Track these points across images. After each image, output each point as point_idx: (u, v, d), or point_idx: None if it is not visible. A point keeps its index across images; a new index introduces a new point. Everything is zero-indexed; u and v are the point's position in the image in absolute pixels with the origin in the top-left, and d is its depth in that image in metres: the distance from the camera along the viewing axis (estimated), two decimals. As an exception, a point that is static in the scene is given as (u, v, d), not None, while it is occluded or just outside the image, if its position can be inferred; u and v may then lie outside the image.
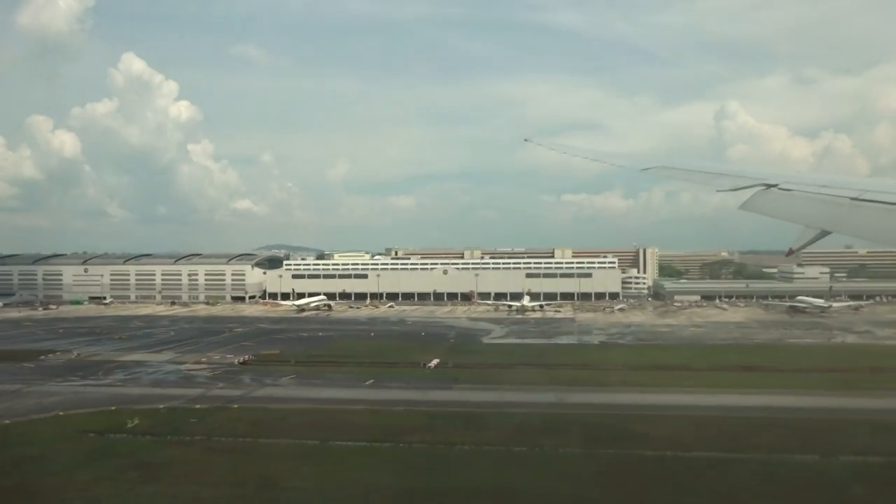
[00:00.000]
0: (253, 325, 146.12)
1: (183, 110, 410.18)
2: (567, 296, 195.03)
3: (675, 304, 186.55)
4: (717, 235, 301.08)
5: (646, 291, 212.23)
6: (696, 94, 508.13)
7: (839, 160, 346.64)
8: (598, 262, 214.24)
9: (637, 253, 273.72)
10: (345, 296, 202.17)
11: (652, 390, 73.89)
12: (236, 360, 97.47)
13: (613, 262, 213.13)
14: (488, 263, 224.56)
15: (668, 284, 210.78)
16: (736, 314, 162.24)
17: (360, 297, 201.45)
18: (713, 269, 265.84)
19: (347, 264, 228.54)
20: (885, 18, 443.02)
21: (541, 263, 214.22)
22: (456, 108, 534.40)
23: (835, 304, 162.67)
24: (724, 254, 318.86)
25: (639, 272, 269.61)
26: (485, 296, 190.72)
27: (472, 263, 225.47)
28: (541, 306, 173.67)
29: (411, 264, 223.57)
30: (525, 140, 20.89)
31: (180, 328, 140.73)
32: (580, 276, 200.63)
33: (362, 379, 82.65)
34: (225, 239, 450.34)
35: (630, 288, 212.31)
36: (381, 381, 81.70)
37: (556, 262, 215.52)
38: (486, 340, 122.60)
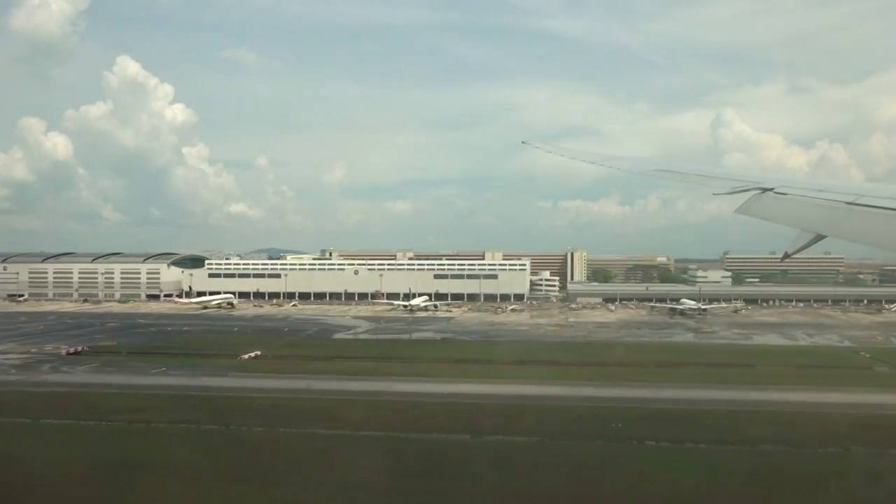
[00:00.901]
0: (134, 320, 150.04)
1: (178, 113, 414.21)
2: (474, 296, 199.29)
3: (573, 305, 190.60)
4: (712, 242, 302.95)
5: (556, 293, 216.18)
6: (692, 101, 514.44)
7: (834, 170, 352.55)
8: (510, 265, 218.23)
9: (565, 257, 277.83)
10: (259, 295, 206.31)
11: (407, 379, 78.09)
12: (64, 351, 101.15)
13: (524, 265, 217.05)
14: (403, 265, 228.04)
15: (573, 287, 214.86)
16: (616, 315, 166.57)
17: (276, 295, 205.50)
18: (635, 272, 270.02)
19: (268, 265, 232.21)
20: (880, 29, 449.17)
21: (454, 265, 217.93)
22: (454, 113, 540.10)
23: (715, 306, 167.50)
24: (662, 259, 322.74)
25: (569, 275, 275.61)
26: (393, 296, 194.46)
27: (401, 265, 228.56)
28: (435, 306, 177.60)
29: (328, 265, 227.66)
30: (523, 142, 20.36)
31: (57, 322, 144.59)
32: (486, 277, 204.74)
33: (156, 367, 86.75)
34: (219, 242, 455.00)
35: (541, 290, 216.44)
36: (172, 369, 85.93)
37: (468, 265, 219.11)
38: (339, 336, 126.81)
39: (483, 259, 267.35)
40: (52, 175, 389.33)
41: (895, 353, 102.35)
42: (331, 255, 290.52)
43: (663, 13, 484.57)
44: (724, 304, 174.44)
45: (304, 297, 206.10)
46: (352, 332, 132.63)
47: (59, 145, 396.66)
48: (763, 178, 10.55)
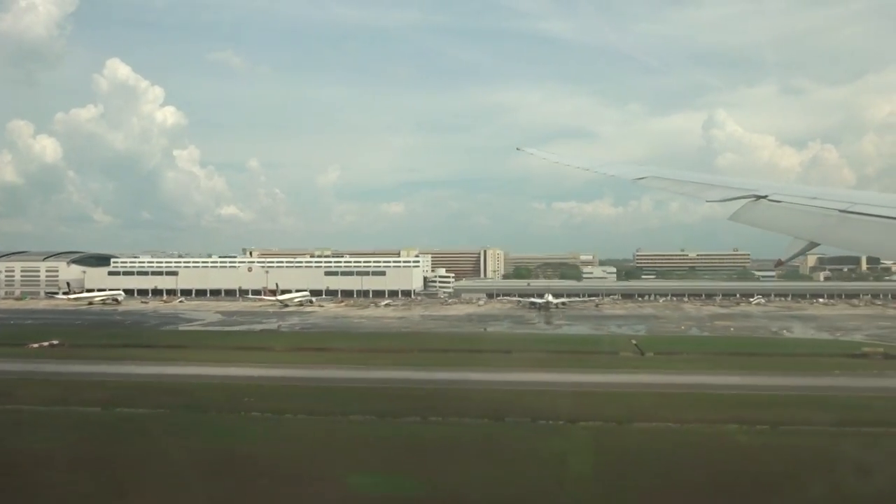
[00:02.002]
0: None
1: (169, 116, 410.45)
2: (366, 292, 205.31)
3: (452, 300, 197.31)
4: (705, 242, 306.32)
5: (449, 289, 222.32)
6: (685, 102, 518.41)
7: (826, 170, 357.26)
8: (404, 262, 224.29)
9: (478, 255, 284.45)
10: (157, 292, 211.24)
11: (165, 363, 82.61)
12: None
13: (418, 262, 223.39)
14: (301, 263, 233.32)
15: (459, 283, 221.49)
16: (480, 308, 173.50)
17: (173, 292, 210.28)
18: (545, 269, 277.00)
19: (172, 263, 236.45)
20: (872, 29, 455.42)
21: (340, 262, 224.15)
22: (447, 115, 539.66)
23: (577, 300, 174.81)
24: (587, 257, 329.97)
25: (482, 272, 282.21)
26: (286, 292, 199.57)
27: (299, 263, 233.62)
28: (310, 301, 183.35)
29: (223, 263, 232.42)
30: (517, 149, 20.47)
31: None
32: (375, 273, 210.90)
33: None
34: (210, 244, 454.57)
35: (436, 286, 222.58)
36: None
37: (355, 261, 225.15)
38: (181, 328, 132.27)
39: (398, 257, 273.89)
40: (41, 178, 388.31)
41: (669, 340, 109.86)
42: (251, 253, 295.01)
43: (656, 15, 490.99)
44: (595, 299, 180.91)
45: (202, 293, 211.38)
46: (197, 323, 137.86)
47: (47, 148, 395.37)
48: (757, 185, 10.61)
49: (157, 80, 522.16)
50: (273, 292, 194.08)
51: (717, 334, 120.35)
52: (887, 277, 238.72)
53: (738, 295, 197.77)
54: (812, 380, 71.46)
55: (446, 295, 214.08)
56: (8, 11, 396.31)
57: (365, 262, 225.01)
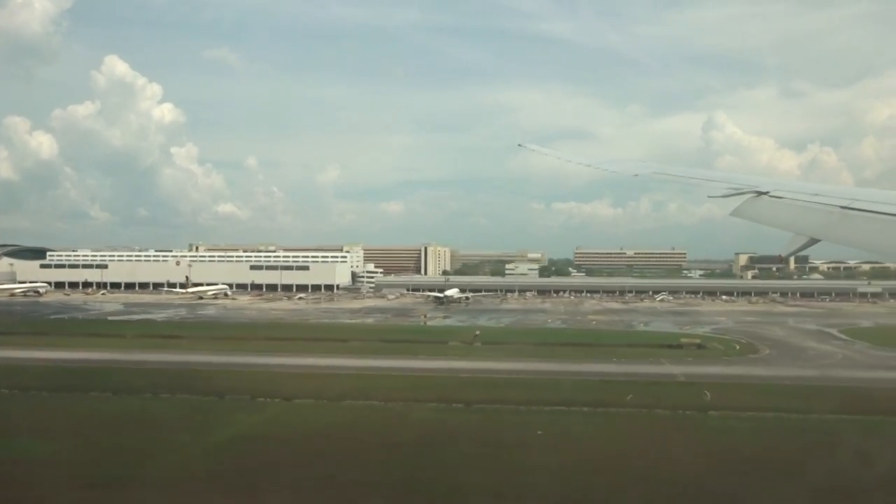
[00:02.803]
0: None
1: (167, 113, 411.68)
2: (299, 287, 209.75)
3: (367, 294, 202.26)
4: (702, 244, 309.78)
5: (373, 284, 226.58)
6: (685, 104, 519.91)
7: (825, 173, 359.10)
8: (332, 257, 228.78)
9: (420, 251, 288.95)
10: (87, 284, 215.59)
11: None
12: None
13: (345, 258, 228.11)
14: (232, 257, 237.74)
15: (380, 279, 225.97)
16: (387, 302, 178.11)
17: (103, 285, 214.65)
18: (483, 267, 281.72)
19: (107, 256, 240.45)
20: (871, 33, 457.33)
21: (269, 257, 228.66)
22: (447, 115, 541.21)
23: (484, 294, 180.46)
24: (536, 255, 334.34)
25: (423, 269, 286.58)
26: (199, 285, 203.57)
27: (230, 257, 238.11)
28: (225, 294, 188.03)
29: (154, 257, 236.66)
30: (519, 145, 20.50)
31: None
32: (298, 268, 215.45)
33: None
34: (208, 243, 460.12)
35: (363, 281, 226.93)
36: None
37: (282, 256, 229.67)
38: (80, 315, 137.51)
39: (341, 251, 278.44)
40: (37, 174, 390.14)
41: (512, 332, 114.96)
42: (197, 248, 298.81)
43: (656, 17, 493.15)
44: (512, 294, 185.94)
45: (131, 286, 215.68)
46: (94, 313, 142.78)
47: (43, 144, 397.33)
48: (758, 181, 10.60)
49: (155, 78, 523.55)
50: (195, 285, 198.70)
51: (574, 327, 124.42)
52: (805, 276, 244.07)
53: (650, 292, 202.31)
54: (595, 366, 75.95)
55: (369, 289, 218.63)
56: (4, 7, 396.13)
57: (292, 257, 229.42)
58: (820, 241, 7.83)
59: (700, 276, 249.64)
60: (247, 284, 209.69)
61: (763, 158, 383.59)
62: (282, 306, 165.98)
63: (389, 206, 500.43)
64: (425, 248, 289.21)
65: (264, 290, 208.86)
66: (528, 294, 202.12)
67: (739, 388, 65.11)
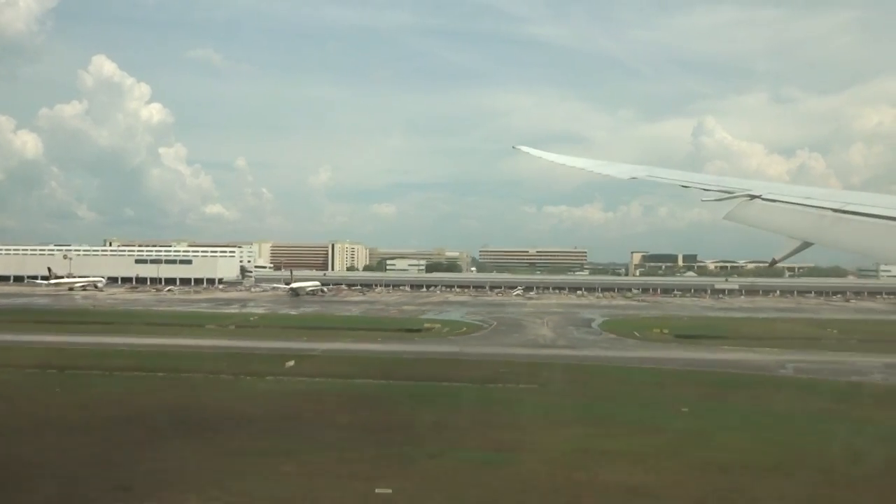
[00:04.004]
0: None
1: (155, 113, 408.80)
2: (185, 280, 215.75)
3: (241, 287, 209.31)
4: (692, 248, 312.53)
5: (253, 279, 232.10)
6: (676, 109, 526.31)
7: (813, 179, 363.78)
8: (213, 252, 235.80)
9: (327, 248, 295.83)
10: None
11: None
12: None
13: (233, 252, 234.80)
14: (117, 251, 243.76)
15: (259, 272, 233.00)
16: (248, 294, 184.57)
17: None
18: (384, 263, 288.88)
19: None
20: (862, 40, 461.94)
21: (160, 251, 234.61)
22: (439, 117, 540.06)
23: (332, 287, 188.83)
24: (454, 254, 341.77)
25: (330, 265, 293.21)
26: (60, 277, 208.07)
27: (115, 251, 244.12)
28: (94, 286, 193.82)
29: (40, 251, 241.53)
30: (513, 147, 20.55)
31: None
32: (181, 262, 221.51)
33: None
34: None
35: (251, 275, 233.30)
36: None
37: (166, 250, 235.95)
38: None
39: (251, 246, 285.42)
40: (22, 173, 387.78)
41: (292, 318, 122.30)
42: (111, 243, 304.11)
43: (647, 22, 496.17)
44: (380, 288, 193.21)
45: (20, 279, 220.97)
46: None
47: (28, 144, 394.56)
48: (750, 184, 10.63)
49: (144, 78, 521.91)
50: (70, 277, 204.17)
51: (374, 315, 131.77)
52: (678, 273, 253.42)
53: (535, 288, 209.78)
54: (292, 344, 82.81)
55: (253, 284, 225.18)
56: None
57: (175, 251, 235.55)
58: (813, 244, 7.78)
59: (588, 273, 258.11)
60: (131, 278, 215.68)
61: (752, 164, 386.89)
62: (132, 296, 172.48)
63: (381, 208, 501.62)
64: (332, 245, 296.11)
65: (148, 283, 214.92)
66: (405, 288, 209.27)
67: (363, 359, 72.79)
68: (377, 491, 31.30)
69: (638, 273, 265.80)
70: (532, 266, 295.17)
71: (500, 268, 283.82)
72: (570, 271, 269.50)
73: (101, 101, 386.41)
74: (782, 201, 9.14)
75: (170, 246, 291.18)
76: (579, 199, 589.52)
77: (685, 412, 49.75)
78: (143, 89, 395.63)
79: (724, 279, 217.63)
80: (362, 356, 75.80)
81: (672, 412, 49.45)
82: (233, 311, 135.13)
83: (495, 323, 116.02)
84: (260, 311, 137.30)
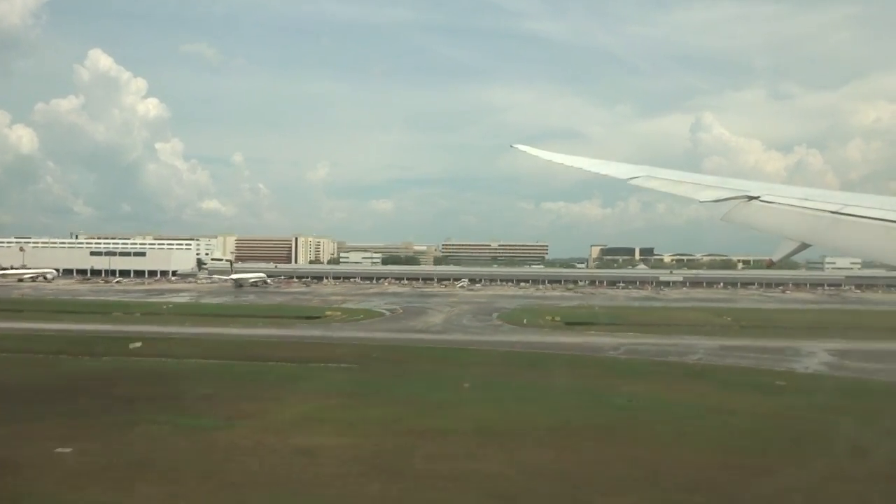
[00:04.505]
0: None
1: (151, 108, 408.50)
2: (140, 272, 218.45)
3: (191, 279, 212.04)
4: (689, 245, 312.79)
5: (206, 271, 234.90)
6: (673, 105, 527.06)
7: (810, 175, 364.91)
8: (168, 244, 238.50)
9: (290, 242, 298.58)
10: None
11: None
12: None
13: (189, 245, 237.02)
14: (80, 243, 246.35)
15: (212, 264, 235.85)
16: (195, 285, 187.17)
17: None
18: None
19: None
20: (859, 36, 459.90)
21: (118, 243, 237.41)
22: (437, 113, 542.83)
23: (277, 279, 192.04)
24: (421, 248, 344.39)
25: (294, 258, 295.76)
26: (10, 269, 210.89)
27: (72, 243, 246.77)
28: (45, 277, 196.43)
29: (6, 243, 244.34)
30: (511, 146, 20.23)
31: None
32: (136, 255, 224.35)
33: None
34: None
35: (206, 268, 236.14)
36: None
37: (123, 243, 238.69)
38: None
39: (214, 239, 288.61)
40: (17, 168, 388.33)
41: (186, 305, 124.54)
42: (77, 236, 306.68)
43: (645, 17, 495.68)
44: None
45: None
46: None
47: (23, 138, 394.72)
48: (749, 185, 10.55)
49: (140, 73, 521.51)
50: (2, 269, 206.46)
51: (294, 304, 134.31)
52: (629, 266, 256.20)
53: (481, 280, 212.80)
54: (204, 329, 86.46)
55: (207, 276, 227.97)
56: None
57: (132, 244, 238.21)
58: (811, 245, 7.84)
59: (543, 267, 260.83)
60: (86, 269, 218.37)
61: (750, 160, 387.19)
62: (76, 287, 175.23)
63: (379, 204, 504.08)
64: (296, 239, 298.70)
65: (104, 275, 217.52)
66: (356, 280, 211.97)
67: (220, 342, 75.43)
68: (57, 450, 33.74)
69: (595, 266, 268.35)
70: (493, 259, 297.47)
71: (462, 261, 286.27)
72: (529, 264, 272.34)
73: (97, 96, 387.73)
74: (780, 203, 9.14)
75: (128, 239, 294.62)
76: (578, 196, 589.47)
77: (466, 387, 52.22)
78: (140, 84, 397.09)
79: (668, 272, 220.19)
80: (224, 339, 78.12)
81: (452, 388, 51.87)
82: (159, 300, 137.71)
83: (401, 311, 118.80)
84: (184, 300, 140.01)
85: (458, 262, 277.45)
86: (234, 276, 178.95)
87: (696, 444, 37.09)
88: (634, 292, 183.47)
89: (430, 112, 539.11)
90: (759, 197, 9.43)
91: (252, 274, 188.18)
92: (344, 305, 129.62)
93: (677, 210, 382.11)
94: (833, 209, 7.99)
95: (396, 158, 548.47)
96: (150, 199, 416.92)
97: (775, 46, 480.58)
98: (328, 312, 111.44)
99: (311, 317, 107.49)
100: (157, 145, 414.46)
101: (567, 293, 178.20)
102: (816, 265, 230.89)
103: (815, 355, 70.10)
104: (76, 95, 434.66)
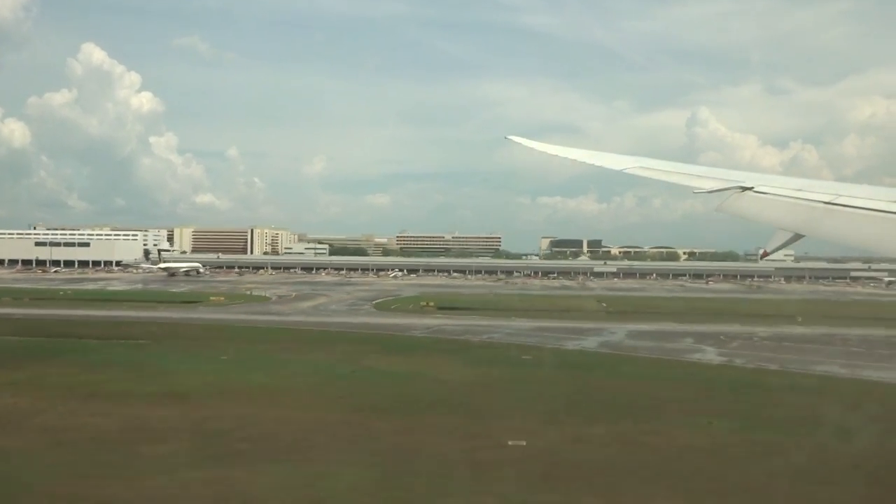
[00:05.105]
0: None
1: (145, 102, 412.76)
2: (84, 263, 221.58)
3: (133, 269, 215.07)
4: (684, 239, 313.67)
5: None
6: (670, 100, 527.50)
7: (805, 171, 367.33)
8: (123, 235, 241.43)
9: (247, 233, 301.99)
10: None
11: None
12: None
13: (136, 237, 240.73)
14: (28, 234, 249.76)
15: (166, 254, 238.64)
16: (132, 275, 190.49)
17: None
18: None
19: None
20: (856, 32, 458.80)
21: (66, 234, 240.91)
22: (433, 107, 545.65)
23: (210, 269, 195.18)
24: (382, 240, 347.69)
25: (249, 249, 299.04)
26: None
27: (26, 234, 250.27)
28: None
29: None
30: (506, 138, 19.91)
31: None
32: (80, 245, 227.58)
33: None
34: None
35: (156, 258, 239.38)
36: None
37: (70, 233, 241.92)
38: None
39: (172, 234, 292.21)
40: (9, 162, 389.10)
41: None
42: (35, 227, 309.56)
43: (642, 12, 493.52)
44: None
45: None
46: None
47: (16, 132, 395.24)
48: (743, 176, 10.47)
49: (134, 66, 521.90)
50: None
51: (199, 290, 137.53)
52: (569, 258, 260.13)
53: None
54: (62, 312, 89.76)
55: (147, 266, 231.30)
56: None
57: (80, 234, 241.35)
58: (804, 236, 7.80)
59: (491, 258, 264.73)
60: (31, 260, 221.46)
61: (746, 155, 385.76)
62: (7, 276, 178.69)
63: (375, 199, 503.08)
64: (252, 231, 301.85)
65: (47, 265, 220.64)
66: (296, 270, 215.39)
67: (61, 322, 78.61)
68: None
69: (544, 257, 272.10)
70: (447, 251, 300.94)
71: (414, 253, 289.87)
72: (478, 256, 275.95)
73: (90, 90, 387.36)
74: (774, 193, 9.13)
75: (77, 230, 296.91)
76: (573, 191, 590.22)
77: (223, 360, 55.49)
78: (134, 78, 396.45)
79: (602, 262, 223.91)
80: (58, 320, 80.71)
81: (210, 360, 55.07)
82: (72, 287, 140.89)
83: (294, 296, 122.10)
84: (95, 287, 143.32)
85: (409, 254, 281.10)
86: (164, 265, 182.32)
87: (348, 403, 40.44)
88: (558, 283, 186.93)
89: (426, 107, 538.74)
90: (752, 188, 9.48)
91: (184, 264, 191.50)
92: (248, 292, 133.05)
93: (673, 205, 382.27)
94: (826, 200, 8.06)
95: (392, 153, 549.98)
96: (144, 194, 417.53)
97: (771, 42, 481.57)
98: (213, 298, 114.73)
99: (190, 301, 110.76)
100: (152, 139, 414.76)
101: (491, 283, 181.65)
102: (752, 257, 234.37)
103: (614, 334, 73.71)
104: (69, 89, 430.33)
